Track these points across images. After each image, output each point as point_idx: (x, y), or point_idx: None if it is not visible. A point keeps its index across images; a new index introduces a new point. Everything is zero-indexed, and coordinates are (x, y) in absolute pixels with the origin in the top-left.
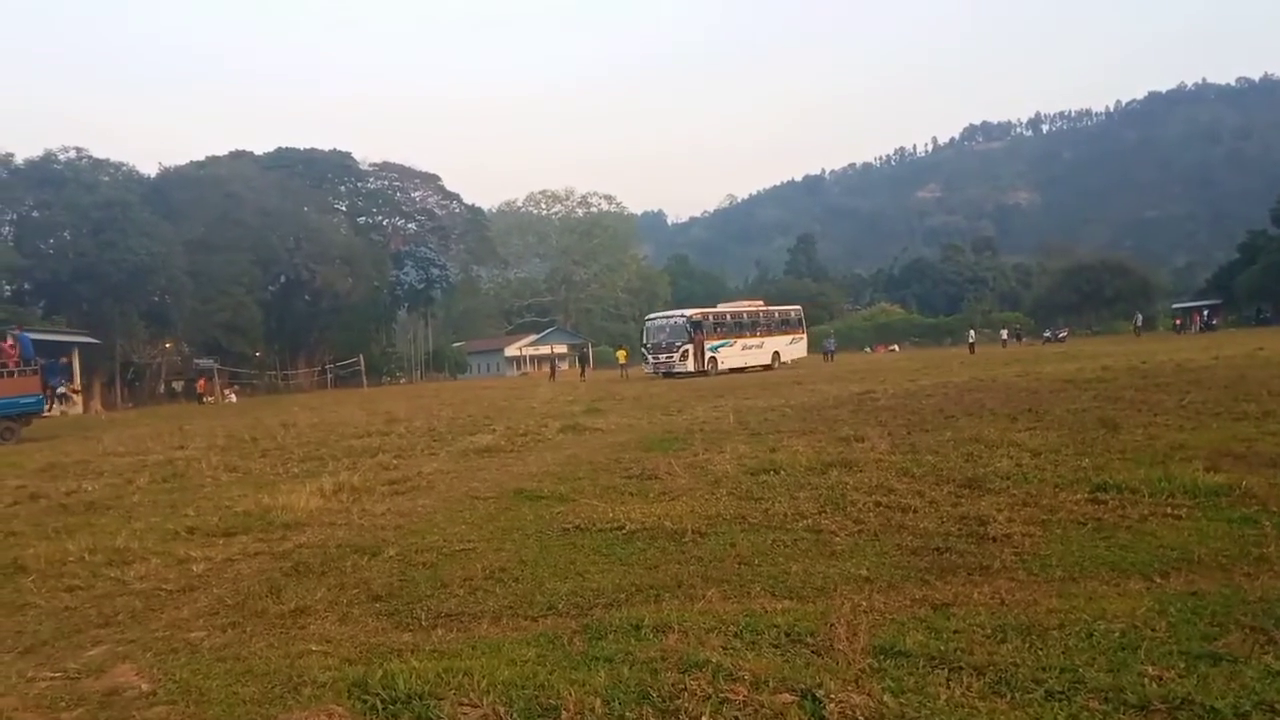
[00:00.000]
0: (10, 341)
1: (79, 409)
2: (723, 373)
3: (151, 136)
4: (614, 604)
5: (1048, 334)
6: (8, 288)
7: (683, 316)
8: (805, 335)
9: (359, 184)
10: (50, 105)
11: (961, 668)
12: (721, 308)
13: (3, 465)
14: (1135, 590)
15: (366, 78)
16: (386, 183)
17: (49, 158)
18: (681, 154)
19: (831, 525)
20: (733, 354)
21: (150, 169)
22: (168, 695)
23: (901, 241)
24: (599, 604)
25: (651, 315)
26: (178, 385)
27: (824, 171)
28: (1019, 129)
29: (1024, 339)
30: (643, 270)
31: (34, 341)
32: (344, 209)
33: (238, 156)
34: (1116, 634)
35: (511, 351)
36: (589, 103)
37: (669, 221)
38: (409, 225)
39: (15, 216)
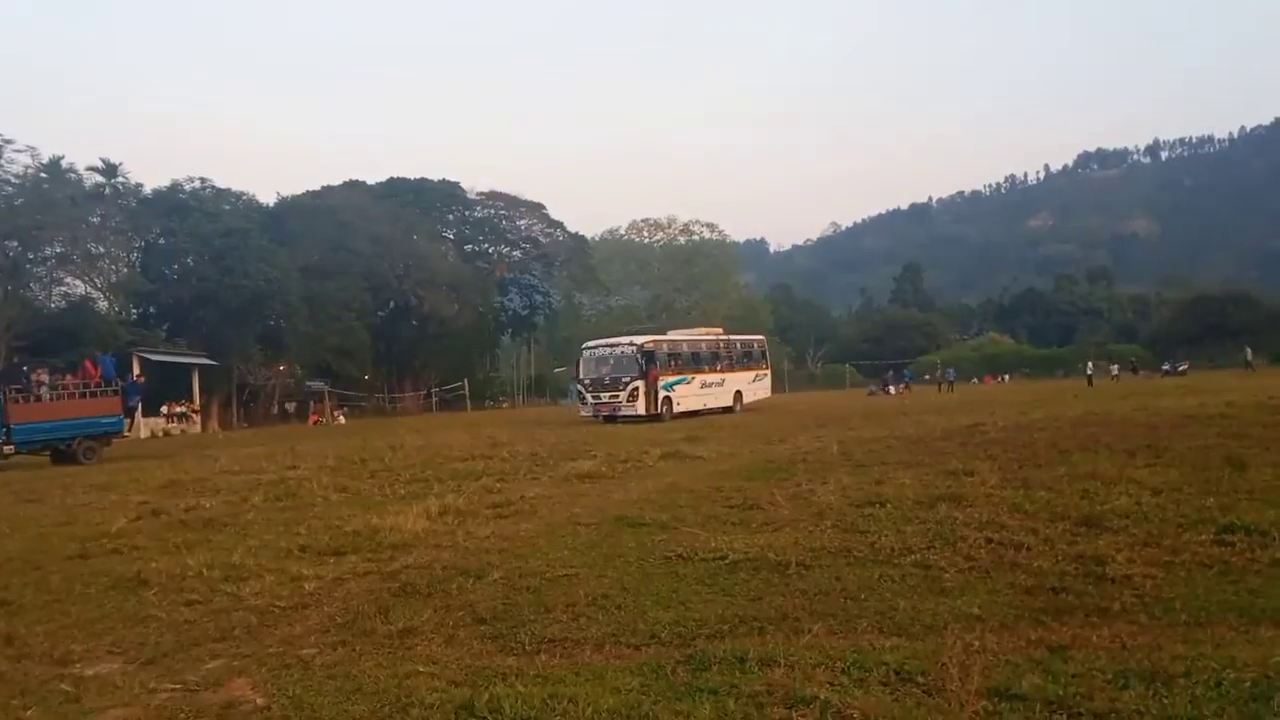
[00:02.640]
0: (92, 363)
1: (197, 428)
2: (678, 416)
3: (270, 167)
4: (717, 635)
5: (1167, 366)
6: (134, 311)
7: (632, 345)
8: (769, 371)
9: (466, 212)
10: (177, 136)
11: (1081, 714)
12: (676, 335)
13: (127, 481)
14: (1267, 638)
15: (474, 111)
16: (493, 211)
17: (175, 188)
18: (784, 182)
19: (941, 561)
20: (690, 393)
21: (269, 198)
22: (281, 711)
23: (1012, 271)
24: (702, 634)
25: (590, 343)
26: (290, 406)
27: (931, 199)
28: (1136, 156)
29: (1141, 372)
30: (744, 298)
31: (156, 363)
32: (451, 236)
33: (352, 186)
34: (1247, 684)
35: None
36: (690, 135)
37: (771, 249)
38: (514, 253)
39: (143, 243)
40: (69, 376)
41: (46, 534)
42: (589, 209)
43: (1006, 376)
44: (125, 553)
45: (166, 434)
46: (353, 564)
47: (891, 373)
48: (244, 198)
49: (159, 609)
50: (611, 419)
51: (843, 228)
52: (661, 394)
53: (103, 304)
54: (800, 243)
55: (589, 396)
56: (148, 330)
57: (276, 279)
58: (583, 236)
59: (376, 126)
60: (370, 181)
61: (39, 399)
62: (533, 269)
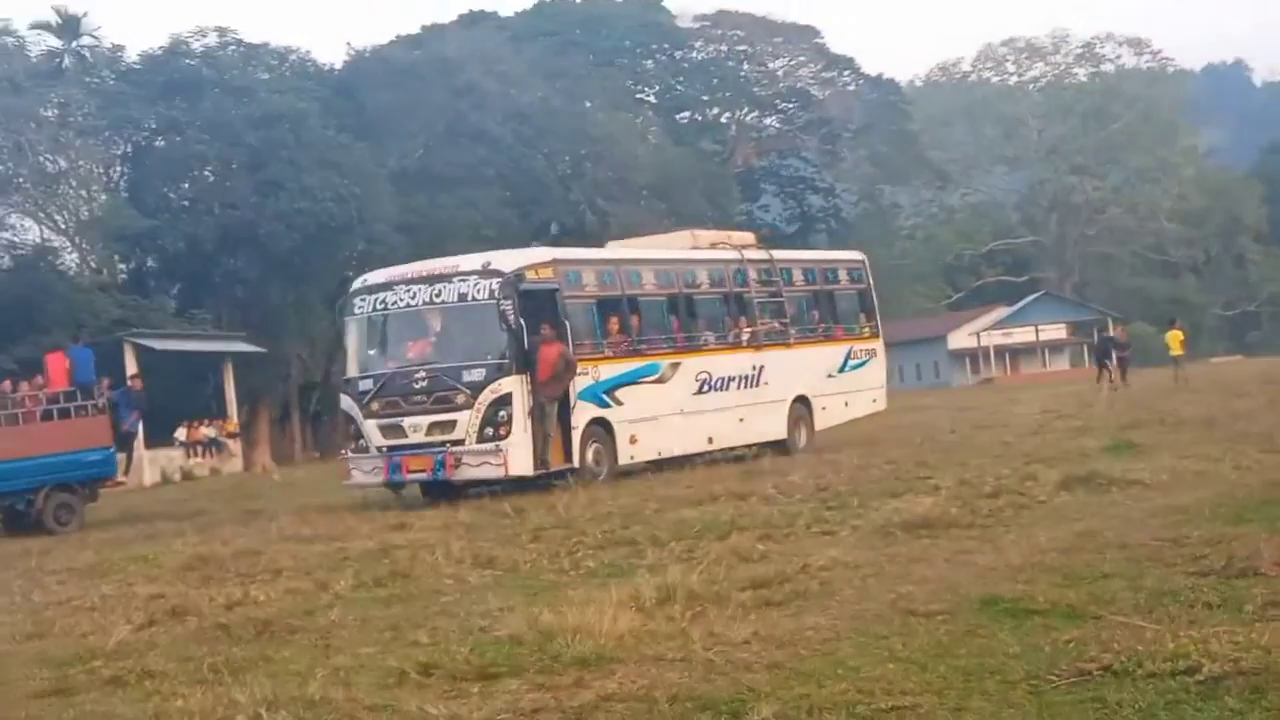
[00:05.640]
0: (63, 356)
1: (237, 462)
2: (633, 468)
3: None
4: None
5: None
6: (122, 266)
7: (489, 275)
8: (880, 346)
9: (677, 54)
10: None
11: None
12: (623, 250)
13: (129, 560)
14: None
15: None
16: (724, 49)
17: (177, 47)
18: None
19: None
20: (664, 404)
21: (334, 56)
22: None
23: None
24: None
25: (371, 280)
26: None
27: None
28: None
29: None
30: (1209, 176)
31: (163, 354)
32: (653, 99)
33: (474, 22)
34: None
35: (960, 340)
36: None
37: (1258, 82)
38: (766, 119)
39: (128, 148)
40: (24, 384)
41: (1, 655)
42: (898, 36)
43: None
44: (132, 684)
45: (187, 476)
46: (512, 694)
47: None
48: (293, 57)
49: None
50: (434, 489)
51: None
52: (582, 410)
53: (71, 257)
54: None
55: (372, 427)
56: (145, 299)
57: (356, 196)
58: (893, 83)
59: None
60: (504, 13)
61: None
62: (802, 148)
